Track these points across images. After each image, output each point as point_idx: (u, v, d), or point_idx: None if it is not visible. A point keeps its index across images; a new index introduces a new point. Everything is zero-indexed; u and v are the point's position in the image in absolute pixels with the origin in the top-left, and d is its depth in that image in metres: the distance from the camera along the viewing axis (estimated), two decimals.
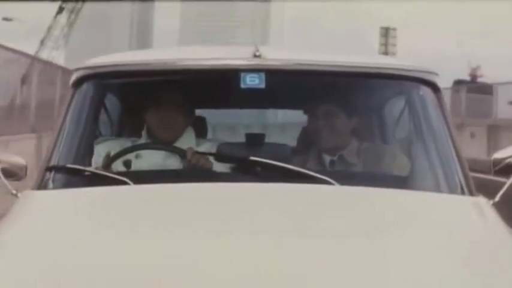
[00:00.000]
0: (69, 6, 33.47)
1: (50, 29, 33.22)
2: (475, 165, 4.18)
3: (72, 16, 33.56)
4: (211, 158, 3.03)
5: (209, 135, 4.00)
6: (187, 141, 3.26)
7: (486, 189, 2.90)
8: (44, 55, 29.13)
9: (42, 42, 32.73)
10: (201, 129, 3.60)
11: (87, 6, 35.08)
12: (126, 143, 3.26)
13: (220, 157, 3.02)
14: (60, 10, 33.29)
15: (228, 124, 5.44)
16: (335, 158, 3.12)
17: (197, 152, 3.06)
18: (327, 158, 3.13)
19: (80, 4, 33.71)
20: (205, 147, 3.24)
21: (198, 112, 3.88)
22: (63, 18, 33.46)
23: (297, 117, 3.95)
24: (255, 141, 3.33)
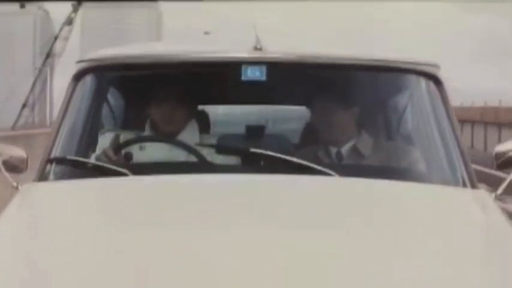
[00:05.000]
0: None
1: None
2: None
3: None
4: (212, 150, 3.02)
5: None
6: (190, 134, 3.24)
7: None
8: None
9: None
10: (204, 123, 3.59)
11: None
12: (130, 135, 3.25)
13: (220, 149, 3.02)
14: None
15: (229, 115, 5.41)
16: (342, 150, 3.10)
17: (199, 144, 3.05)
18: (333, 150, 3.12)
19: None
20: (208, 141, 3.23)
21: (201, 106, 3.87)
22: None
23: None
24: (255, 133, 3.33)
